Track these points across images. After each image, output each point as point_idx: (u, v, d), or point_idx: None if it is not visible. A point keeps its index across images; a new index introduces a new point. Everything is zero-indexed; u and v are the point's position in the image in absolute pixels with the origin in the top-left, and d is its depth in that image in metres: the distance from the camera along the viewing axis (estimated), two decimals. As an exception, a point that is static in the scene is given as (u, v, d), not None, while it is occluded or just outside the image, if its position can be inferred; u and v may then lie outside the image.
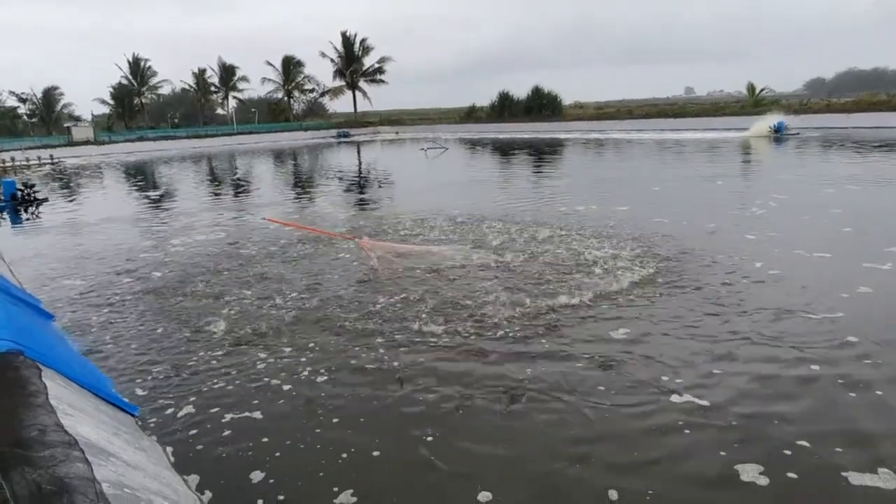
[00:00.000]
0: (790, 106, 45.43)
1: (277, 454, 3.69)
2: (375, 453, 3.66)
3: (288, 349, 5.35)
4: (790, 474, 3.26)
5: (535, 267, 7.68)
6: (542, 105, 61.02)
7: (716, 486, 3.23)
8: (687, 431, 3.73)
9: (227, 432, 3.99)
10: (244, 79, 72.29)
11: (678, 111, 52.76)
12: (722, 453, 3.48)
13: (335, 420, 4.08)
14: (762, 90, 52.19)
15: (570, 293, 6.43)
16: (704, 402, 4.06)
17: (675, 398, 4.15)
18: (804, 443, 3.54)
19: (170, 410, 4.33)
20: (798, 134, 32.79)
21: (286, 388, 4.61)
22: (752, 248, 8.24)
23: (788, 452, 3.45)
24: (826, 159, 21.27)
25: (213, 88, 73.19)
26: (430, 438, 3.79)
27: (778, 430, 3.69)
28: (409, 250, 8.47)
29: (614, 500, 3.14)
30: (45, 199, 18.27)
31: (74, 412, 3.17)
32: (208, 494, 3.28)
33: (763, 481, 3.20)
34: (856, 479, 3.17)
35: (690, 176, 18.14)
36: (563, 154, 29.94)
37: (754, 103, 48.58)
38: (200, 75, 71.37)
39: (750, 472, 3.27)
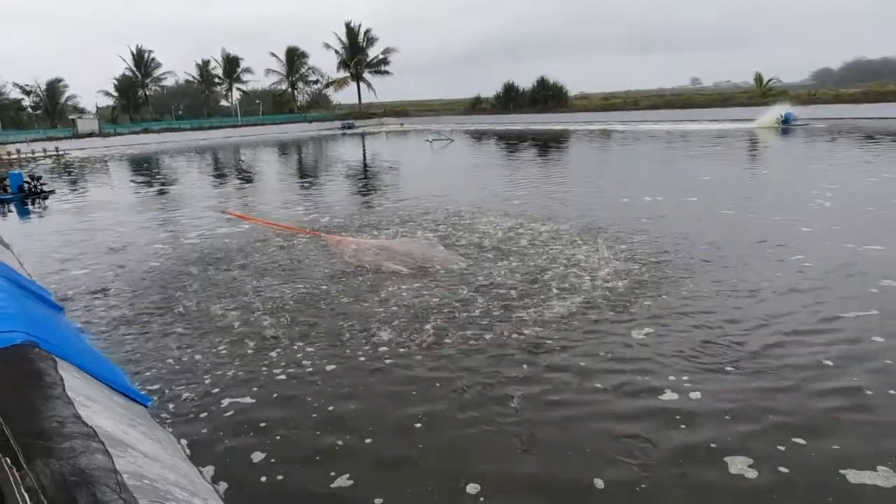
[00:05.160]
0: (798, 96, 45.01)
1: (278, 438, 3.88)
2: (368, 441, 3.81)
3: (288, 342, 5.49)
4: (782, 468, 3.34)
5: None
6: (547, 96, 60.61)
7: (707, 479, 3.31)
8: (683, 426, 3.82)
9: (235, 420, 4.14)
10: (248, 70, 72.33)
11: (685, 102, 52.31)
12: (713, 445, 3.57)
13: (330, 408, 4.24)
14: (770, 80, 51.70)
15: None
16: (696, 395, 4.15)
17: (673, 390, 4.24)
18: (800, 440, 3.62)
19: (181, 401, 4.47)
20: (806, 125, 32.54)
21: (282, 378, 4.78)
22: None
23: (782, 448, 3.53)
24: (848, 150, 20.96)
25: (216, 80, 73.16)
26: (419, 426, 3.94)
27: (772, 425, 3.77)
28: (384, 246, 8.41)
29: (600, 489, 3.23)
30: (52, 192, 18.43)
31: (91, 403, 3.28)
32: (223, 485, 3.41)
33: (752, 474, 3.28)
34: (854, 476, 3.22)
35: (728, 167, 17.95)
36: (582, 146, 29.41)
37: (762, 94, 48.17)
38: (204, 67, 71.35)
39: (739, 465, 3.35)
